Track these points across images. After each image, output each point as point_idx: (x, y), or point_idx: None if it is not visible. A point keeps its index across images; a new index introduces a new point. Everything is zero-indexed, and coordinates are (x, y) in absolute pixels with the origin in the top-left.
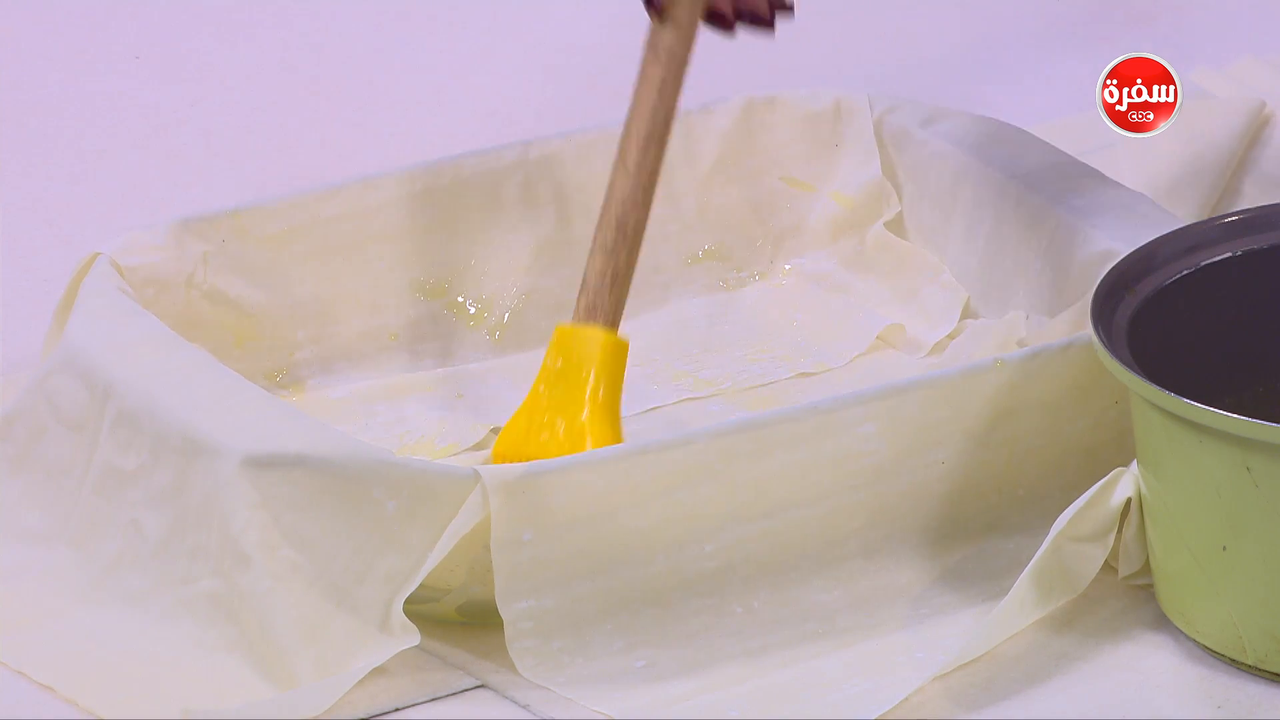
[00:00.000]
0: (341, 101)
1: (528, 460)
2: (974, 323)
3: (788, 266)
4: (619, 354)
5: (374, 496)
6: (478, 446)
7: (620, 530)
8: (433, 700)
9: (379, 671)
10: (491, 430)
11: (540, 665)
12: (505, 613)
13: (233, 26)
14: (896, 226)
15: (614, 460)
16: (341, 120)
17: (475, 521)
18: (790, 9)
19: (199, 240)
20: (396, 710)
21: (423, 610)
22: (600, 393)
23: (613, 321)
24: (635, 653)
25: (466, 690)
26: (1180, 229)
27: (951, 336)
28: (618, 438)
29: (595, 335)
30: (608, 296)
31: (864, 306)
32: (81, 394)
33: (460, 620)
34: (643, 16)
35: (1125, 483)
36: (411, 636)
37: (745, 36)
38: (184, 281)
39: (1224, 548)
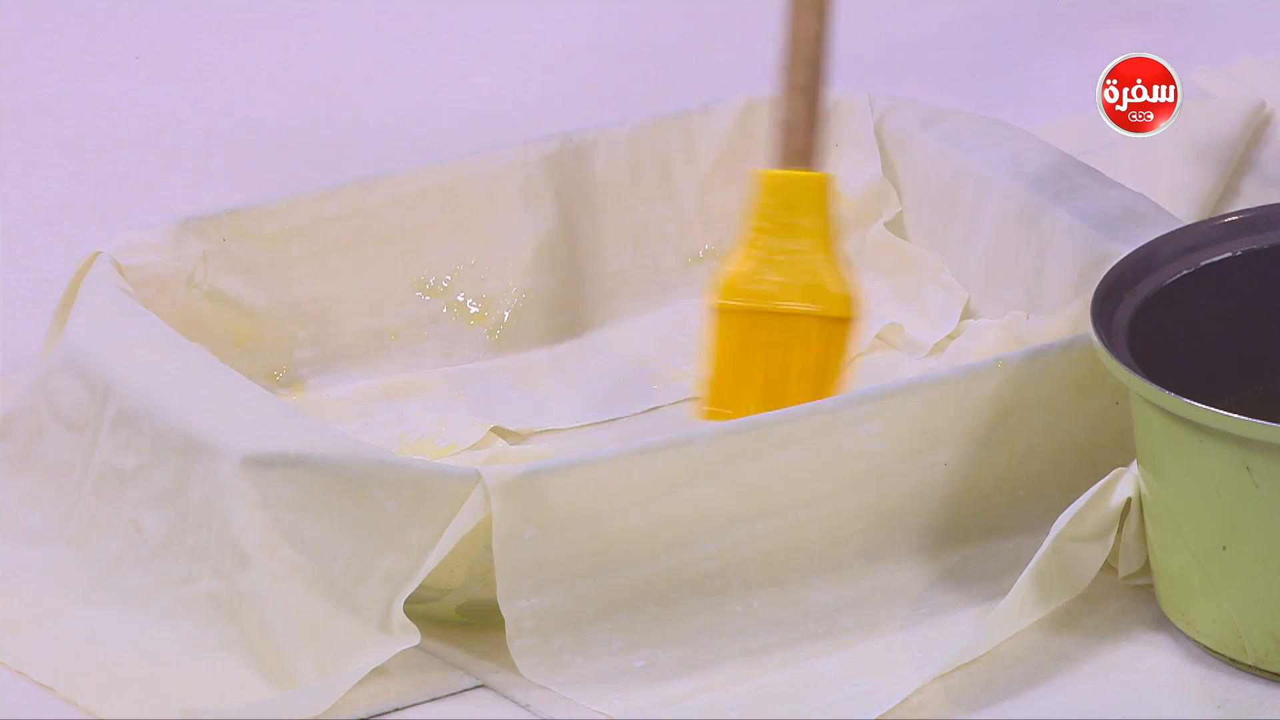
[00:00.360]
0: (341, 101)
1: (752, 306)
2: (974, 322)
3: None
4: (833, 194)
5: (374, 496)
6: (478, 446)
7: (621, 529)
8: (433, 700)
9: (379, 671)
10: (492, 430)
11: (541, 664)
12: (506, 611)
13: (233, 26)
14: (897, 227)
15: (615, 460)
16: (341, 120)
17: (476, 521)
18: None
19: (199, 240)
20: (396, 710)
21: (423, 610)
22: (829, 235)
23: (820, 160)
24: (635, 652)
25: (466, 690)
26: (1180, 229)
27: (952, 337)
28: (849, 279)
29: (813, 180)
30: (812, 137)
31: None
32: (81, 394)
33: (460, 620)
34: (642, 17)
35: (1125, 483)
36: (411, 636)
37: (746, 36)
38: (184, 281)
39: (1224, 548)
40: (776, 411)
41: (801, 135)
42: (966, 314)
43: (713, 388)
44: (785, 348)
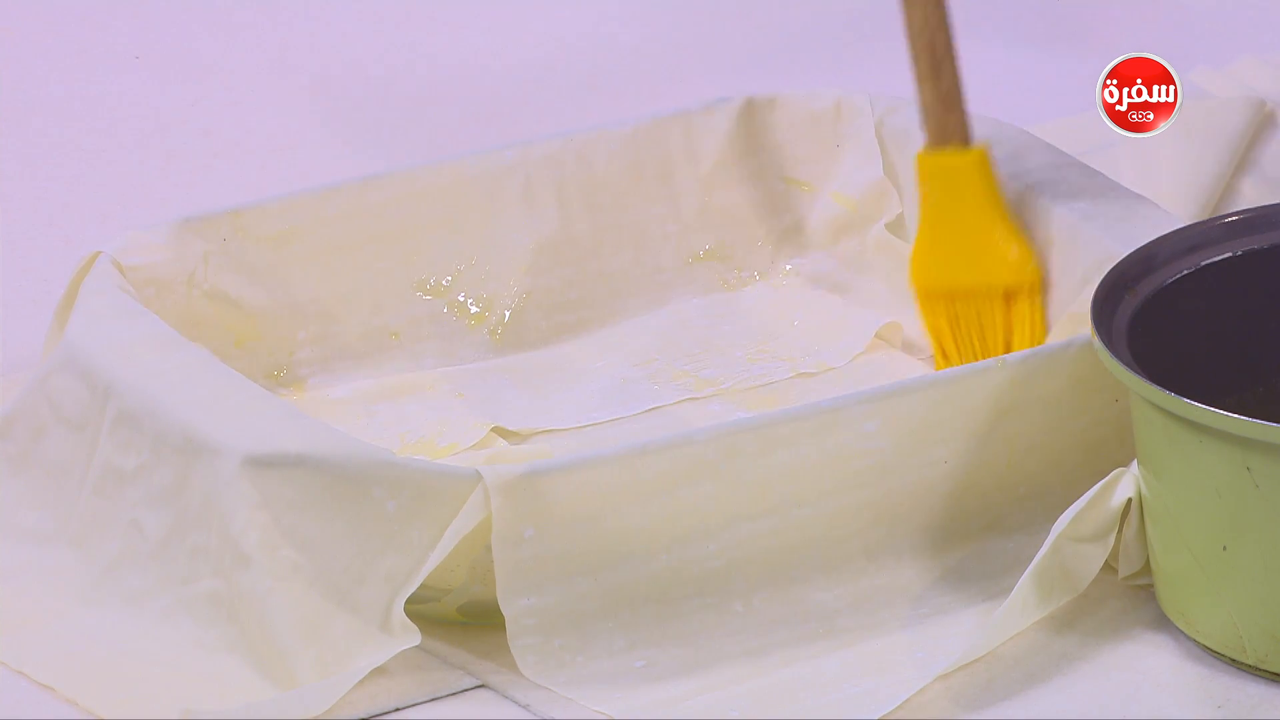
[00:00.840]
0: (341, 101)
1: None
2: None
3: (788, 267)
4: (986, 164)
5: (374, 496)
6: (478, 446)
7: (622, 529)
8: (433, 700)
9: (379, 671)
10: (492, 430)
11: (541, 664)
12: (507, 610)
13: (233, 26)
14: (898, 227)
15: (615, 459)
16: (341, 120)
17: (476, 521)
18: None
19: (199, 240)
20: (396, 710)
21: (423, 610)
22: (994, 202)
23: (967, 137)
24: (636, 652)
25: (466, 690)
26: (1180, 229)
27: None
28: (1022, 237)
29: (965, 158)
30: (950, 117)
31: (864, 306)
32: (82, 394)
33: (461, 620)
34: (642, 17)
35: (1125, 483)
36: (412, 636)
37: (746, 36)
38: (184, 281)
39: (1224, 548)
40: (776, 411)
41: (938, 118)
42: None
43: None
44: (980, 323)
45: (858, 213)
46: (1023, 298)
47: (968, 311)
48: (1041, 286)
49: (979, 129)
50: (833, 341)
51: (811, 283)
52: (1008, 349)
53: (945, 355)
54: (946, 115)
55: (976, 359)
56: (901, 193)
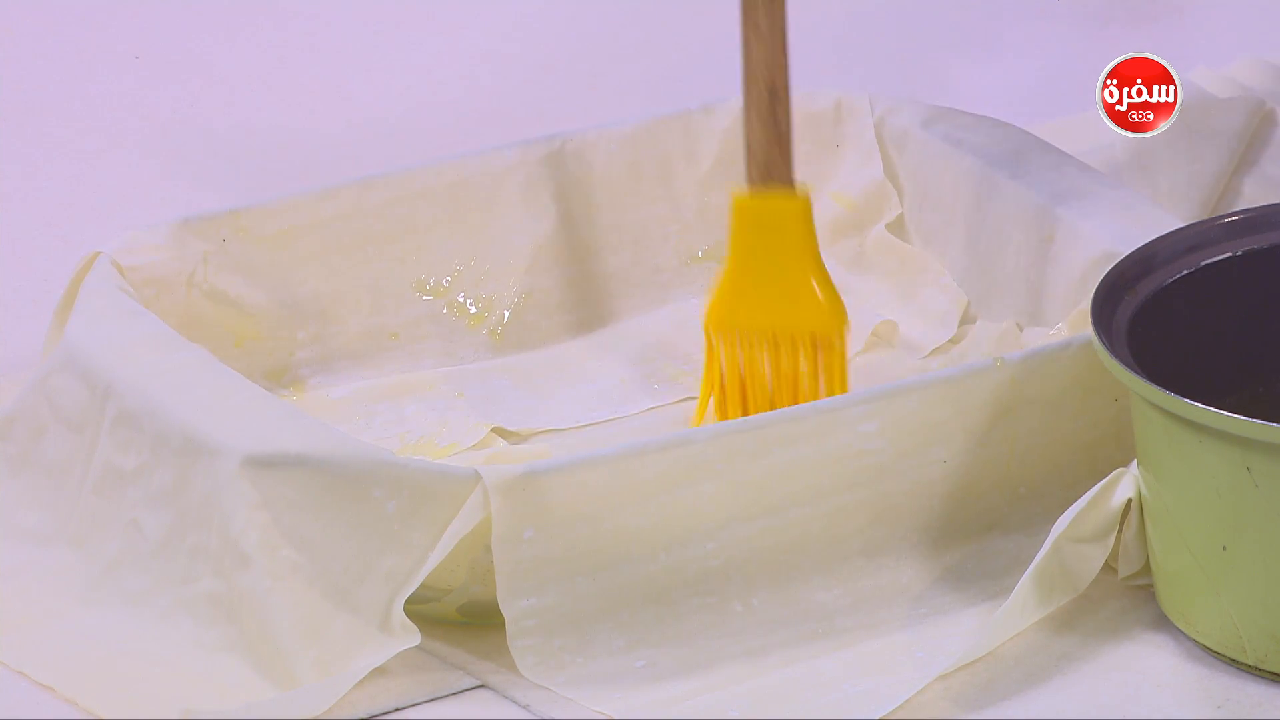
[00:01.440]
0: (341, 101)
1: (745, 331)
2: (973, 328)
3: None
4: (809, 210)
5: (374, 496)
6: (478, 446)
7: (621, 529)
8: (433, 700)
9: (379, 671)
10: (492, 430)
11: (541, 664)
12: (507, 610)
13: (233, 26)
14: (897, 228)
15: (615, 460)
16: (341, 120)
17: (476, 521)
18: None
19: (199, 240)
20: (396, 710)
21: (423, 610)
22: (810, 251)
23: (789, 179)
24: (636, 652)
25: (466, 690)
26: (1180, 229)
27: (954, 342)
28: (832, 290)
29: (789, 203)
30: (777, 159)
31: (863, 306)
32: (81, 394)
33: (461, 620)
34: (642, 17)
35: (1125, 484)
36: (412, 636)
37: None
38: (184, 281)
39: (1224, 548)
40: (776, 411)
41: (763, 158)
42: (966, 317)
43: (704, 407)
44: (781, 370)
45: (857, 213)
46: (827, 348)
47: (773, 356)
48: (845, 340)
49: (980, 128)
50: None
51: None
52: (799, 398)
53: (723, 395)
54: (774, 156)
55: (767, 406)
56: (901, 193)
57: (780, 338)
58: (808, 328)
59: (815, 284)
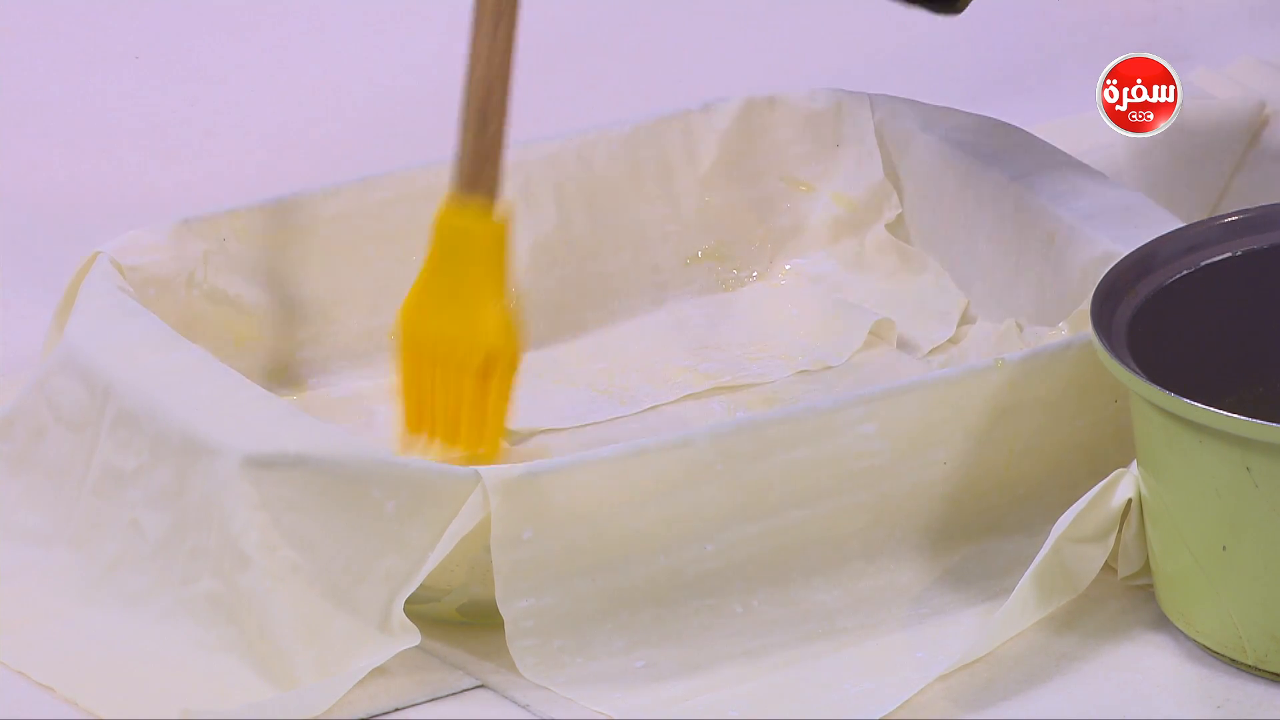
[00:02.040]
0: (341, 101)
1: (419, 343)
2: (973, 328)
3: (787, 267)
4: (502, 238)
5: (374, 496)
6: None
7: (621, 529)
8: (433, 700)
9: (379, 671)
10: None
11: (541, 665)
12: (505, 612)
13: (233, 26)
14: (897, 228)
15: (614, 460)
16: (341, 120)
17: (475, 521)
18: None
19: (199, 240)
20: (396, 710)
21: (423, 610)
22: (494, 274)
23: (494, 194)
24: (635, 652)
25: (466, 690)
26: (1180, 229)
27: (954, 342)
28: (512, 319)
29: (483, 226)
30: (484, 171)
31: (862, 305)
32: (81, 394)
33: (461, 620)
34: (642, 17)
35: (1125, 484)
36: (411, 636)
37: (746, 35)
38: (184, 281)
39: (1224, 548)
40: (774, 412)
41: (470, 169)
42: (966, 317)
43: (405, 415)
44: (447, 388)
45: (857, 213)
46: (494, 376)
47: (443, 372)
48: (507, 377)
49: (980, 128)
50: (830, 340)
51: (810, 283)
52: (459, 421)
53: (405, 400)
54: (481, 168)
55: (431, 414)
56: (901, 193)
57: (452, 354)
58: (478, 351)
59: (492, 308)
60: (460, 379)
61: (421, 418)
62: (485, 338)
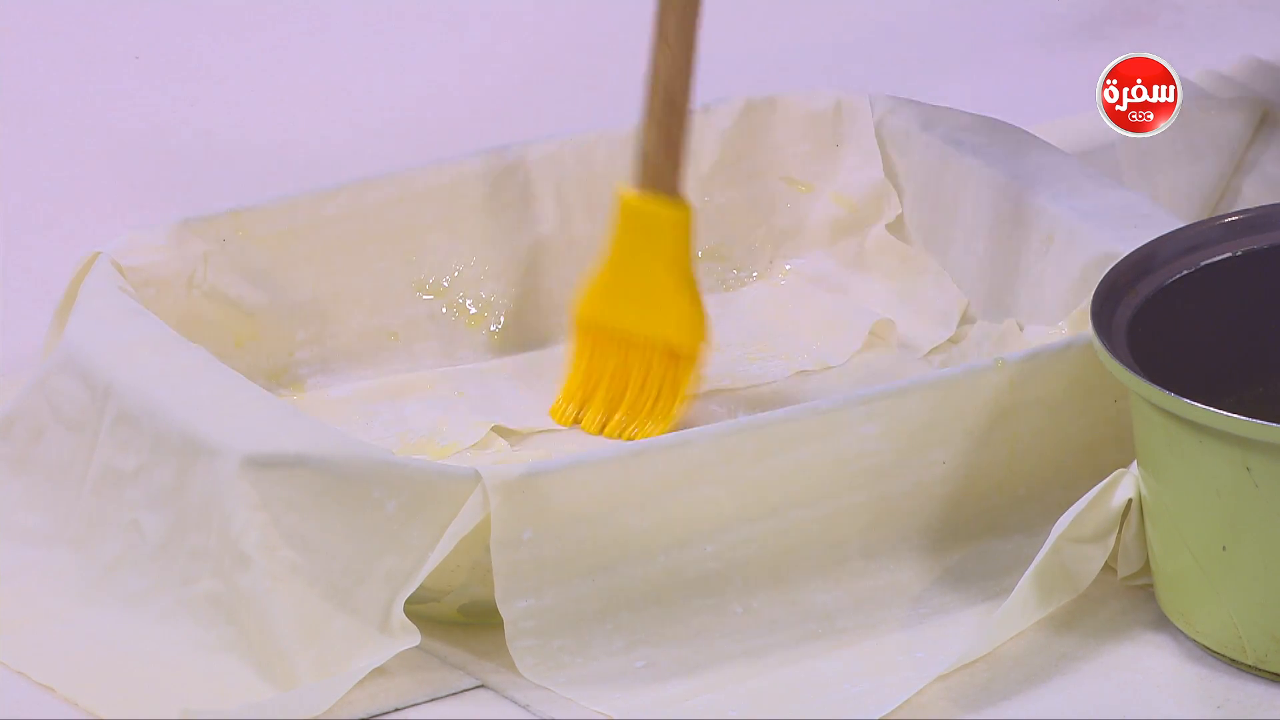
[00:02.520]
0: (341, 101)
1: (604, 326)
2: (973, 328)
3: (788, 267)
4: (689, 224)
5: (374, 497)
6: (478, 446)
7: (620, 530)
8: (433, 700)
9: (379, 671)
10: (492, 429)
11: (540, 665)
12: (505, 612)
13: (233, 26)
14: (897, 228)
15: (614, 460)
16: (341, 120)
17: (476, 521)
18: None
19: (199, 240)
20: (396, 710)
21: (423, 610)
22: (681, 262)
23: (676, 189)
24: (635, 652)
25: (466, 690)
26: (1180, 229)
27: (954, 342)
28: (702, 305)
29: (672, 212)
30: (668, 165)
31: (862, 305)
32: (81, 394)
33: (461, 620)
34: (642, 17)
35: (1126, 484)
36: (411, 637)
37: (746, 35)
38: (184, 281)
39: (1224, 548)
40: (774, 412)
41: (653, 163)
42: (966, 317)
43: (566, 392)
44: (628, 371)
45: (857, 213)
46: (683, 363)
47: (636, 357)
48: (697, 363)
49: (980, 128)
50: (831, 340)
51: (810, 282)
52: (635, 403)
53: (572, 380)
54: (665, 162)
55: (597, 396)
56: (901, 193)
57: (639, 342)
58: (667, 338)
59: (682, 296)
60: (649, 361)
61: (585, 389)
62: (673, 325)
